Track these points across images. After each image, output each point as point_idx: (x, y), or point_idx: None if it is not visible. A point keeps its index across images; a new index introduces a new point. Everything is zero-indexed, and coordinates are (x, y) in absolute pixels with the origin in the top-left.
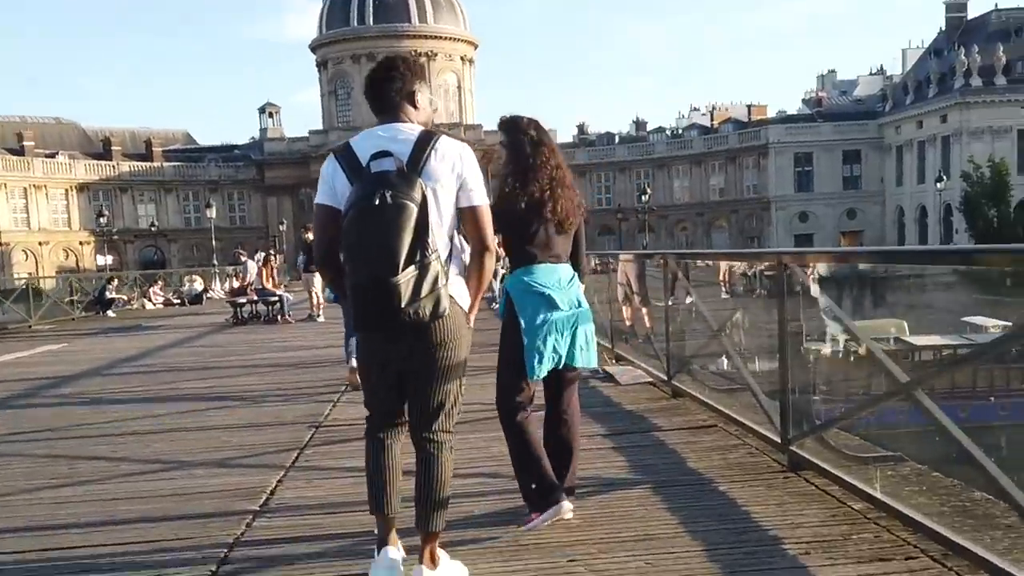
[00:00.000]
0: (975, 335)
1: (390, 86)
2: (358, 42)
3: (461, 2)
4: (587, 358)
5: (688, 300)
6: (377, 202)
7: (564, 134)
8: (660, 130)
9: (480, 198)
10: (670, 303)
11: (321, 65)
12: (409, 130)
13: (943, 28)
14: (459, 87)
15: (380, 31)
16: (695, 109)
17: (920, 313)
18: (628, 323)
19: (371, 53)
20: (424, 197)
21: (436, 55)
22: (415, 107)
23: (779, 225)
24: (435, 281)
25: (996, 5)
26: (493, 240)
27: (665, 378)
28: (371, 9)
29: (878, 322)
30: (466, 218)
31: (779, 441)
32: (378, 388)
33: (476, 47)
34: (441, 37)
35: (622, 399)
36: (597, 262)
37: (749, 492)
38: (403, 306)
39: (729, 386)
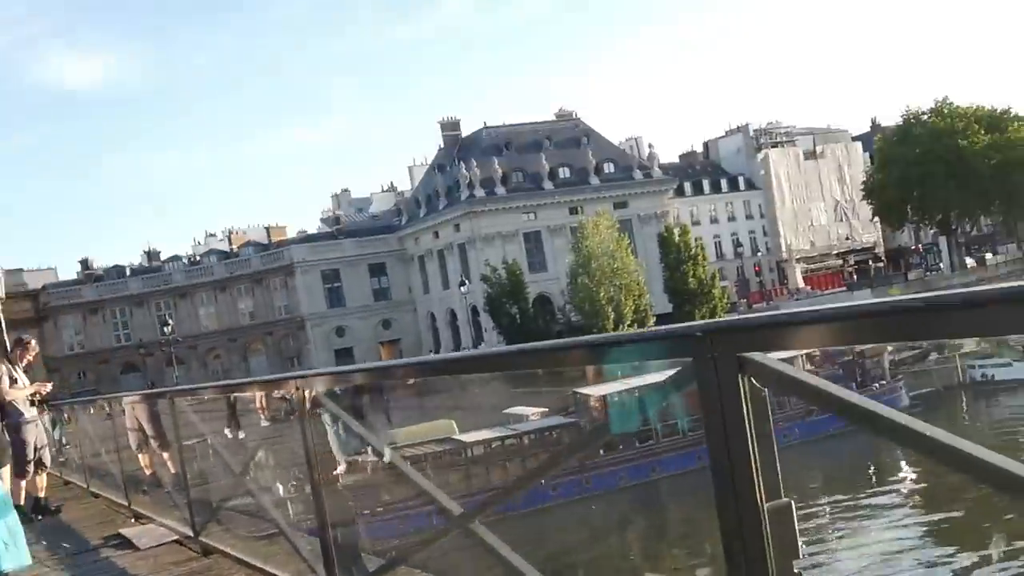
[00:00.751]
0: (518, 424)
1: None
2: None
3: None
4: (16, 556)
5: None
6: None
7: (66, 271)
8: (176, 258)
9: None
10: (186, 444)
11: None
12: None
13: (442, 145)
14: None
15: None
16: (211, 235)
17: (467, 411)
18: (148, 471)
19: None
20: None
21: None
22: None
23: (317, 342)
24: None
25: (485, 123)
26: None
27: (191, 534)
28: None
29: (430, 425)
30: None
31: None
32: None
33: None
34: None
35: (140, 569)
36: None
37: None
38: None
39: (268, 531)
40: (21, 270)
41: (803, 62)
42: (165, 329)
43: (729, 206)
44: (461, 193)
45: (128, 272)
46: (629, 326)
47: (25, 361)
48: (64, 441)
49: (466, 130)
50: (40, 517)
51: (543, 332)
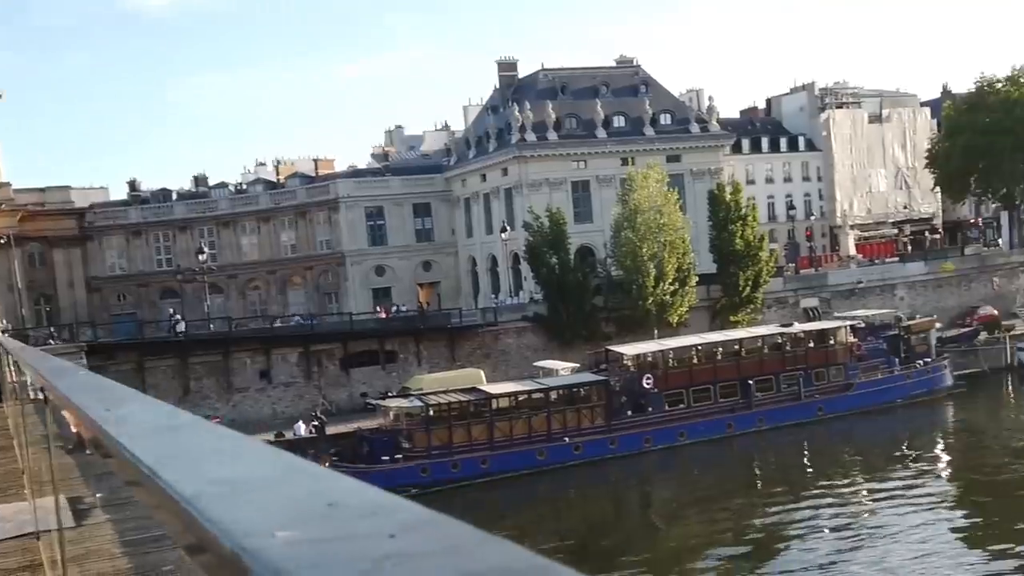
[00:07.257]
0: (547, 379)
1: None
2: None
3: None
4: None
5: None
6: None
7: (116, 191)
8: (223, 185)
9: None
10: None
11: None
12: None
13: (498, 86)
14: None
15: None
16: (261, 164)
17: (496, 360)
18: None
19: None
20: None
21: None
22: None
23: (356, 280)
24: None
25: (543, 65)
26: None
27: None
28: None
29: (457, 373)
30: None
31: None
32: None
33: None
34: None
35: None
36: None
37: None
38: None
39: None
40: (68, 187)
41: (876, 22)
42: (200, 256)
43: (787, 166)
44: (512, 136)
45: (175, 196)
46: (670, 284)
47: None
48: None
49: (523, 71)
50: None
51: (581, 285)
